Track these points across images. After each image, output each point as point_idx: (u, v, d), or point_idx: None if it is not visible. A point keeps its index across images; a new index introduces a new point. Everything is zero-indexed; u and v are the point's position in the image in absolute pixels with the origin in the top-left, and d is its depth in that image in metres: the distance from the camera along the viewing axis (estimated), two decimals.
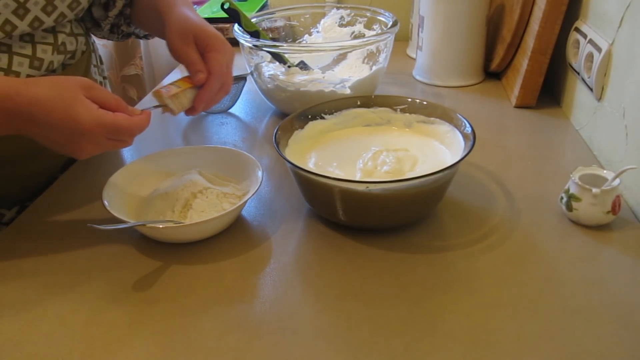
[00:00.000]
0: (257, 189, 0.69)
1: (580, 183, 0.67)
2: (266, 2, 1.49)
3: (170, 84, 0.69)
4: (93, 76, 0.90)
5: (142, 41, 1.58)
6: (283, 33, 1.20)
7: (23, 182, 0.82)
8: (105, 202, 0.67)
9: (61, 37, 0.78)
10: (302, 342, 0.55)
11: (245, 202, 0.68)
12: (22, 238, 0.72)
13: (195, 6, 1.51)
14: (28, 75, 0.74)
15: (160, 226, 0.65)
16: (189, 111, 0.70)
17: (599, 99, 0.84)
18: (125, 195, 0.72)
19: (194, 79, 0.68)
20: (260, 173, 0.72)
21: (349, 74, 0.99)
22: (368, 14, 1.09)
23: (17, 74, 0.73)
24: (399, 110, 0.81)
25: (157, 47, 1.60)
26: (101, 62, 0.95)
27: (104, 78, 0.96)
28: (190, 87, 0.69)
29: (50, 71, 0.78)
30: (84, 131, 0.58)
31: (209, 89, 0.69)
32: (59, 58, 0.78)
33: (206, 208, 0.69)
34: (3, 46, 0.71)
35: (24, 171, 0.80)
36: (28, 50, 0.73)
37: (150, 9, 0.80)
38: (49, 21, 0.74)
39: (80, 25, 0.85)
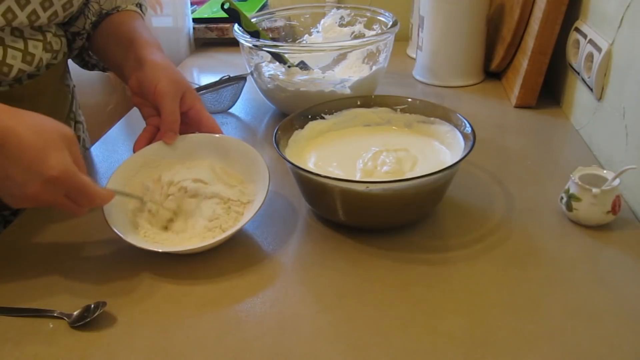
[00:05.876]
0: (260, 207, 0.66)
1: (580, 183, 0.67)
2: (266, 2, 1.49)
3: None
4: (66, 82, 0.89)
5: None
6: (283, 33, 1.20)
7: None
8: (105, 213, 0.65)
9: (49, 36, 0.78)
10: (302, 342, 0.55)
11: (243, 225, 0.65)
12: (21, 238, 0.72)
13: (195, 6, 1.51)
14: (20, 70, 0.74)
15: (159, 250, 0.64)
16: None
17: (599, 99, 0.84)
18: (135, 178, 0.71)
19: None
20: (267, 183, 0.68)
21: (349, 74, 0.99)
22: (368, 14, 1.09)
23: (10, 67, 0.72)
24: (399, 110, 0.81)
25: None
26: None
27: (74, 86, 0.95)
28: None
29: (39, 68, 0.78)
30: (50, 177, 0.55)
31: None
32: (47, 56, 0.78)
33: (208, 215, 0.67)
34: None
35: None
36: (20, 45, 0.73)
37: (117, 44, 0.81)
38: (43, 17, 0.74)
39: (60, 27, 0.85)
